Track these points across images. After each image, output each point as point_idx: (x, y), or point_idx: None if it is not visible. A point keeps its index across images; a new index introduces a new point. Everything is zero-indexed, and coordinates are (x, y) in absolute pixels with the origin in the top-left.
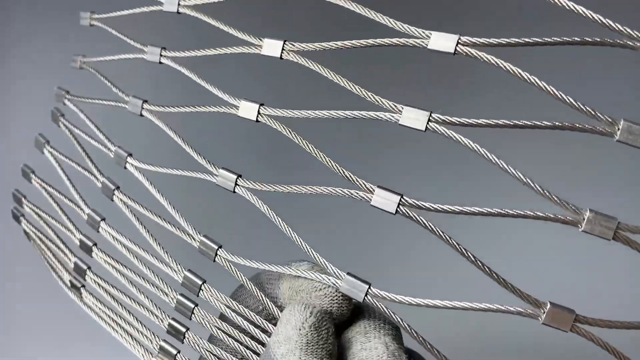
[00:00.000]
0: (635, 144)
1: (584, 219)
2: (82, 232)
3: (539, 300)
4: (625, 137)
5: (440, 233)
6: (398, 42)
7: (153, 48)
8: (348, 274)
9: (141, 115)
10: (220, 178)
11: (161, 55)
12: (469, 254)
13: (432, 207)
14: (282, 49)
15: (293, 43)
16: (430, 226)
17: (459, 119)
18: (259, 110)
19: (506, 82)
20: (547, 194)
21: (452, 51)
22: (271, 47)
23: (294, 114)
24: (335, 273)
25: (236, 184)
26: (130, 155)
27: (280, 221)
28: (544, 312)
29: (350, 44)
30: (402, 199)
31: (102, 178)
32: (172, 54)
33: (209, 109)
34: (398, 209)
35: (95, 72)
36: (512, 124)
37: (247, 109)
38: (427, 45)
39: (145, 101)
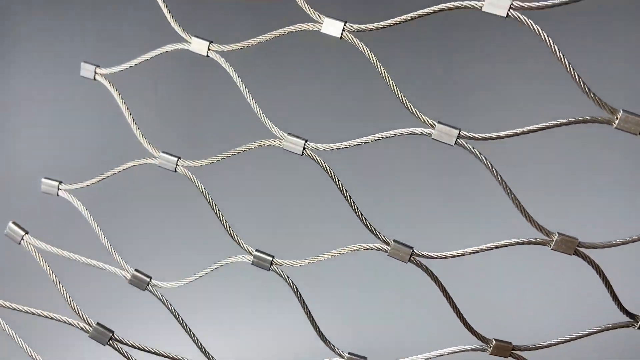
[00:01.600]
0: (631, 131)
1: (552, 241)
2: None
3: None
4: (622, 126)
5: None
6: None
7: (199, 40)
8: None
9: (175, 171)
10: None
11: (209, 49)
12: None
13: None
14: (343, 29)
15: (352, 25)
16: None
17: (483, 135)
18: (304, 146)
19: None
20: (529, 217)
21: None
22: (332, 27)
23: (340, 146)
24: None
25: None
26: (179, 158)
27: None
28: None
29: (405, 18)
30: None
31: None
32: (220, 47)
33: (252, 145)
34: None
35: (113, 91)
36: (530, 129)
37: (293, 143)
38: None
39: (179, 158)
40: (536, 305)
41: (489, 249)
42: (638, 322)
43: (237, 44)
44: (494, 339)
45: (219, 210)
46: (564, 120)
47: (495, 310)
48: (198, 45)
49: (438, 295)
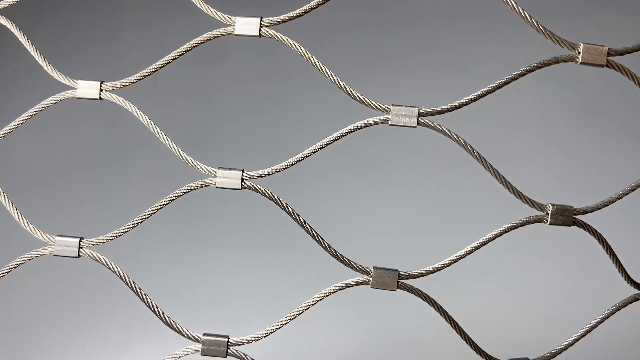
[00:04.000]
0: (596, 62)
1: (548, 214)
2: None
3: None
4: (586, 59)
5: None
6: None
7: (88, 83)
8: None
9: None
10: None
11: (101, 90)
12: None
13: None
14: (260, 26)
15: (271, 18)
16: None
17: (446, 106)
18: (242, 177)
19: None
20: (518, 193)
21: None
22: (247, 26)
23: (279, 168)
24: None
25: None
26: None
27: None
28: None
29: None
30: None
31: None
32: (113, 85)
33: (180, 192)
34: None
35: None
36: (494, 87)
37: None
38: None
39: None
40: (536, 304)
41: (483, 244)
42: None
43: (132, 77)
44: None
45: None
46: (526, 68)
47: (499, 317)
48: (87, 90)
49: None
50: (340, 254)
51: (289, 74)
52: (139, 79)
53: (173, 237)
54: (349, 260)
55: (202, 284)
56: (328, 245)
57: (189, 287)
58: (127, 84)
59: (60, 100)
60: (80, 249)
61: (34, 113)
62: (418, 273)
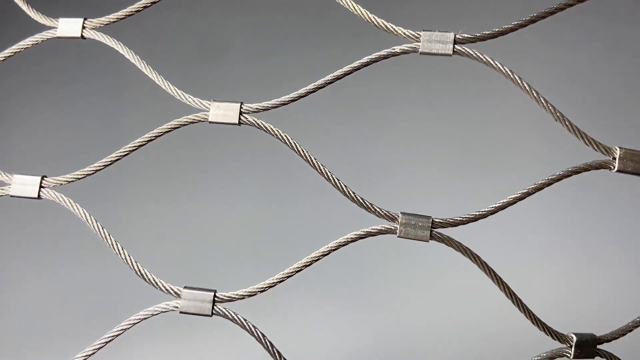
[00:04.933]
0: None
1: (615, 159)
2: None
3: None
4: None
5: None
6: None
7: None
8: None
9: None
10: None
11: None
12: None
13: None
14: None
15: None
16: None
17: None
18: (240, 111)
19: None
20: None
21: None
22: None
23: (285, 100)
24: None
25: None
26: None
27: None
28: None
29: None
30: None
31: None
32: None
33: (173, 125)
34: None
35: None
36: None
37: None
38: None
39: None
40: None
41: (538, 189)
42: None
43: (118, 14)
44: (573, 334)
45: None
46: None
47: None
48: (68, 27)
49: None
50: (360, 197)
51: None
52: (127, 16)
53: (160, 183)
54: (370, 205)
55: (195, 236)
56: (344, 186)
57: (178, 239)
58: (113, 20)
59: (42, 40)
60: (42, 189)
61: (10, 54)
62: (457, 220)
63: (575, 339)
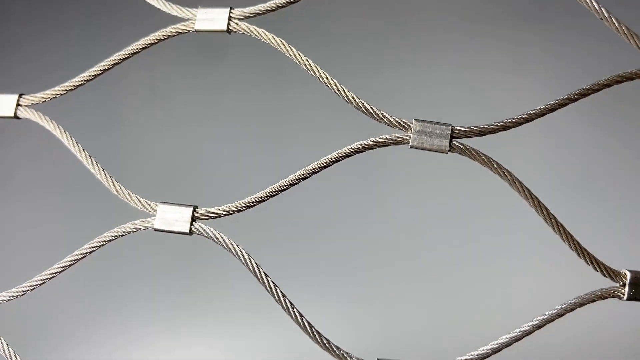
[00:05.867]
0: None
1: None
2: None
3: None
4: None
5: None
6: None
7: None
8: None
9: None
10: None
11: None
12: None
13: None
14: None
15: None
16: None
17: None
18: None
19: None
20: None
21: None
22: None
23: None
24: None
25: None
26: None
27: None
28: None
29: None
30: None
31: None
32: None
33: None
34: None
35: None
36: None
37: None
38: None
39: None
40: None
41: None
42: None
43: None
44: (627, 271)
45: None
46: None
47: None
48: None
49: None
50: (368, 104)
51: None
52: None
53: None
54: (380, 112)
55: (183, 156)
56: (349, 93)
57: (160, 160)
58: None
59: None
60: (19, 108)
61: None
62: (482, 128)
63: (629, 276)
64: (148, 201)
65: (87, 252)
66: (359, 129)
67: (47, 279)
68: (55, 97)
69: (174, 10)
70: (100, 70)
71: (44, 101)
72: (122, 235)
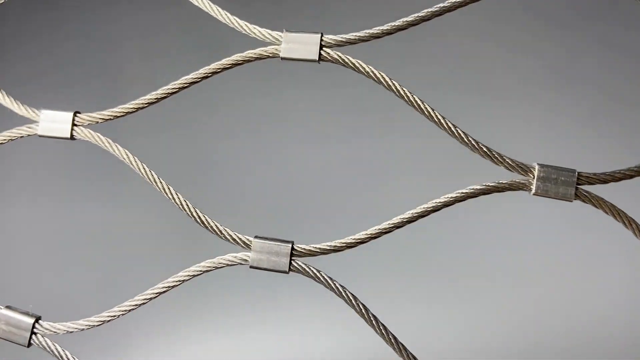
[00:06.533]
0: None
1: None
2: None
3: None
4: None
5: None
6: None
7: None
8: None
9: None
10: None
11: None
12: None
13: None
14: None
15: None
16: None
17: (104, 114)
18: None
19: None
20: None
21: None
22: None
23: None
24: None
25: None
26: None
27: None
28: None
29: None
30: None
31: None
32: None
33: (245, 56)
34: None
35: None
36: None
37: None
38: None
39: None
40: None
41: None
42: None
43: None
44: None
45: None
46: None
47: None
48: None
49: None
50: (484, 145)
51: None
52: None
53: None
54: (499, 156)
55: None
56: (463, 134)
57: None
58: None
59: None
60: (75, 128)
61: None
62: (608, 176)
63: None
64: (240, 235)
65: (184, 279)
66: (466, 166)
67: (149, 298)
68: (113, 119)
69: (257, 34)
70: (166, 93)
71: (101, 121)
72: (214, 269)
